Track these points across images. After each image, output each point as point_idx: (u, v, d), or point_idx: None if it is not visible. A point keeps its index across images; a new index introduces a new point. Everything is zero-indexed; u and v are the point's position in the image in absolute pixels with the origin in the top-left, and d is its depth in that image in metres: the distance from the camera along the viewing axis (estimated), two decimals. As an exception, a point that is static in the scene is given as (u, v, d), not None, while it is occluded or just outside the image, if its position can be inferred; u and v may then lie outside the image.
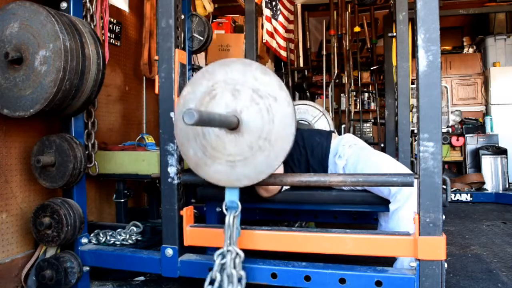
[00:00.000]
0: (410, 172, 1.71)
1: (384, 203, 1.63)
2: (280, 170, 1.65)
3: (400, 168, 1.65)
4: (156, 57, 1.45)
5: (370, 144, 2.29)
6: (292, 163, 1.81)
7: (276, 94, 1.06)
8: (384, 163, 1.68)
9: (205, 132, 1.13)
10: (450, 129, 5.00)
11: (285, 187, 1.77)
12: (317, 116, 2.69)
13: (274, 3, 4.46)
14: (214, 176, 1.14)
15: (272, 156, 1.06)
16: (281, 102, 1.06)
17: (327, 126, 2.68)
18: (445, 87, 5.22)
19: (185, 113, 0.84)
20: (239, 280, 1.12)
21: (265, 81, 1.07)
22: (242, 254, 1.14)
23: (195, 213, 1.77)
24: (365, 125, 5.38)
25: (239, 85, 1.08)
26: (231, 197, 1.16)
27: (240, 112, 1.08)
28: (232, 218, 1.14)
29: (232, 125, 1.06)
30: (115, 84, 2.41)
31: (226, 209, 1.16)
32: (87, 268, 1.61)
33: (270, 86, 1.06)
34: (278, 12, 4.59)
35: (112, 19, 2.34)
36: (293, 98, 4.98)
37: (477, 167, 4.61)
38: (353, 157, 1.75)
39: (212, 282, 1.11)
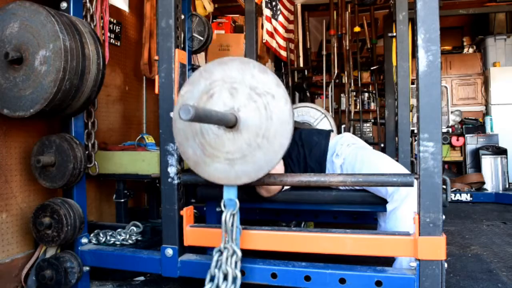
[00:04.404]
0: (408, 171, 1.72)
1: (383, 203, 1.63)
2: (280, 167, 1.65)
3: (397, 167, 1.65)
4: (156, 57, 1.45)
5: (370, 144, 2.28)
6: (290, 161, 1.81)
7: (274, 92, 1.06)
8: (381, 163, 1.68)
9: (203, 131, 1.13)
10: (450, 129, 5.00)
11: (285, 187, 1.77)
12: (319, 118, 2.68)
13: (274, 3, 4.46)
14: (213, 174, 1.14)
15: (270, 153, 1.07)
16: (278, 99, 1.06)
17: (329, 127, 2.67)
18: (445, 87, 5.22)
19: (181, 108, 0.84)
20: (234, 279, 1.13)
21: (262, 79, 1.07)
22: (239, 252, 1.14)
23: (195, 213, 1.77)
24: (365, 125, 5.38)
25: (237, 84, 1.09)
26: (229, 195, 1.17)
27: (238, 110, 1.09)
28: (229, 215, 1.15)
29: (230, 123, 1.07)
30: (115, 84, 2.41)
31: (224, 207, 1.17)
32: (87, 268, 1.61)
33: (268, 83, 1.07)
34: (278, 12, 4.58)
35: (112, 19, 2.34)
36: (293, 99, 4.98)
37: (477, 167, 4.61)
38: (351, 156, 1.75)
39: (212, 279, 1.13)
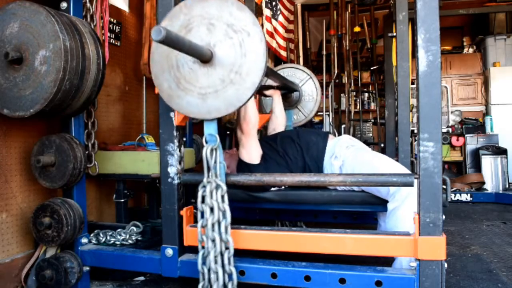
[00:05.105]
0: (408, 172, 1.72)
1: (383, 203, 1.63)
2: (252, 103, 1.65)
3: (398, 168, 1.65)
4: (156, 57, 1.45)
5: (370, 144, 2.29)
6: (289, 159, 1.81)
7: (250, 29, 1.08)
8: (381, 164, 1.68)
9: (179, 64, 1.15)
10: (450, 129, 5.00)
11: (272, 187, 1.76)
12: (304, 79, 2.69)
13: (274, 3, 4.46)
14: (186, 108, 1.16)
15: (242, 89, 1.08)
16: (254, 37, 1.08)
17: (314, 90, 2.69)
18: (445, 87, 5.22)
19: (153, 29, 0.85)
20: (223, 213, 1.15)
21: (240, 16, 1.08)
22: (224, 186, 1.16)
23: (195, 213, 1.77)
24: (365, 125, 5.38)
25: (215, 20, 1.11)
26: (209, 130, 1.19)
27: (214, 46, 1.10)
28: (209, 150, 1.17)
29: (204, 57, 1.08)
30: (115, 84, 2.41)
31: (206, 142, 1.19)
32: (87, 268, 1.61)
33: (244, 21, 1.08)
34: (278, 12, 4.58)
35: (112, 19, 2.34)
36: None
37: (477, 167, 4.61)
38: (350, 158, 1.75)
39: (202, 215, 1.17)
